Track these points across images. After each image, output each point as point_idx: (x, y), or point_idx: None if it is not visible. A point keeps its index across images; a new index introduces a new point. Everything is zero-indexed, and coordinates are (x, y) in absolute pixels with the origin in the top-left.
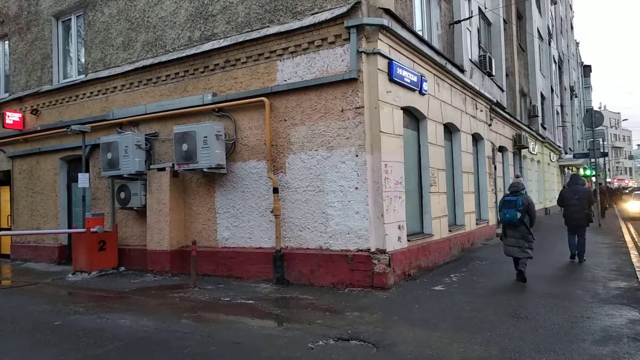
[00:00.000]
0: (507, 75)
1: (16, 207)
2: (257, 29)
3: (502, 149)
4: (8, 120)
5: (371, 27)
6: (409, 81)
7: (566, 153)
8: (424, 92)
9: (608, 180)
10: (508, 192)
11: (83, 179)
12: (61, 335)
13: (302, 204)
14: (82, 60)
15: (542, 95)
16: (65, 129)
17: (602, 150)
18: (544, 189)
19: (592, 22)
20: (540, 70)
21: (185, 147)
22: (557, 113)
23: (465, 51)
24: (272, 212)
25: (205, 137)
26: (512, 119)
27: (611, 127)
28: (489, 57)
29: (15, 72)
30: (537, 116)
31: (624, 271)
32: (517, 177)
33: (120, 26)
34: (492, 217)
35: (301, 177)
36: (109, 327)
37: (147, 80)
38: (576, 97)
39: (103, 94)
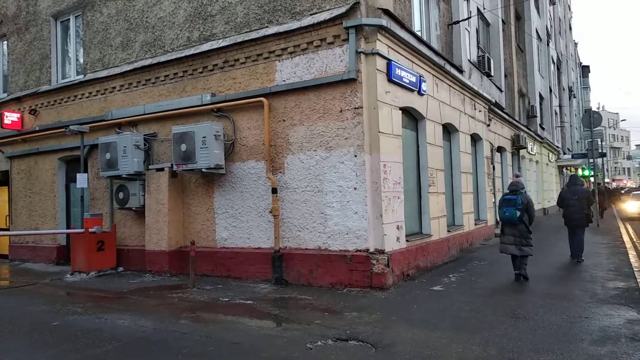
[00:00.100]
0: (505, 75)
1: (14, 207)
2: (256, 30)
3: (500, 150)
4: (6, 121)
5: (370, 27)
6: (407, 81)
7: (564, 153)
8: (422, 92)
9: (607, 180)
10: (508, 191)
11: (81, 179)
12: (59, 336)
13: (301, 204)
14: (81, 60)
15: (540, 96)
16: (63, 129)
17: (600, 151)
18: (543, 189)
19: (590, 22)
20: (539, 70)
21: (184, 147)
22: (556, 113)
23: (464, 52)
24: (270, 212)
25: (204, 137)
26: (510, 120)
27: (609, 127)
28: (488, 57)
29: (13, 72)
30: (536, 116)
31: (622, 271)
32: (517, 176)
33: (119, 26)
34: (490, 217)
35: (300, 177)
36: (108, 328)
37: (145, 80)
38: (574, 97)
39: (102, 94)
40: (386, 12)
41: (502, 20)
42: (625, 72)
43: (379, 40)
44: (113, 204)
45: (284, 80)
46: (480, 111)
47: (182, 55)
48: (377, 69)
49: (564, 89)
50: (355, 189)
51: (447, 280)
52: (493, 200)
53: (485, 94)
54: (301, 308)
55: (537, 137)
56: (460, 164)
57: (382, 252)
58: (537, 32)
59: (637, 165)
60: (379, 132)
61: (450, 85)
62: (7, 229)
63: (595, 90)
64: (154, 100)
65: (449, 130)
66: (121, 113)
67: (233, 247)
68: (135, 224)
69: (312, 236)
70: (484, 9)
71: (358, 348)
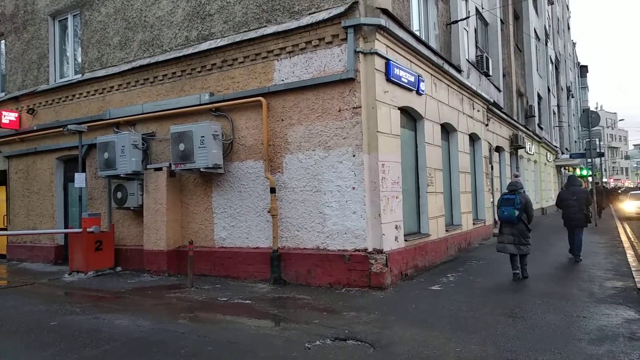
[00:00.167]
0: (504, 75)
1: (12, 207)
2: (254, 29)
3: (499, 149)
4: (4, 120)
5: (368, 27)
6: (406, 81)
7: (563, 153)
8: (421, 92)
9: (604, 180)
10: (507, 191)
11: (79, 179)
12: (57, 336)
13: (300, 204)
14: (79, 59)
15: (538, 96)
16: (61, 129)
17: (598, 151)
18: (541, 189)
19: (588, 22)
20: (537, 70)
21: (182, 147)
22: (554, 113)
23: (462, 51)
24: (269, 212)
25: (203, 137)
26: (509, 119)
27: (607, 127)
28: (486, 57)
29: (11, 72)
30: (534, 116)
31: (620, 271)
32: (516, 176)
33: (117, 25)
34: (489, 217)
35: (298, 177)
36: (106, 328)
37: (144, 79)
38: (573, 97)
39: (100, 93)
40: (385, 11)
41: (501, 20)
42: (623, 72)
43: (377, 39)
44: (111, 203)
45: (283, 80)
46: (478, 111)
47: (181, 54)
48: (376, 69)
49: (562, 89)
50: (353, 188)
51: (446, 280)
52: (491, 200)
53: (483, 94)
54: (299, 308)
55: (535, 137)
56: (458, 163)
57: (380, 251)
58: (535, 31)
59: (635, 165)
60: (378, 131)
61: (448, 85)
62: (5, 229)
63: (594, 90)
64: (152, 100)
65: (447, 130)
66: (119, 112)
67: (231, 247)
68: (134, 224)
69: (310, 236)
70: (483, 8)
71: (356, 347)
